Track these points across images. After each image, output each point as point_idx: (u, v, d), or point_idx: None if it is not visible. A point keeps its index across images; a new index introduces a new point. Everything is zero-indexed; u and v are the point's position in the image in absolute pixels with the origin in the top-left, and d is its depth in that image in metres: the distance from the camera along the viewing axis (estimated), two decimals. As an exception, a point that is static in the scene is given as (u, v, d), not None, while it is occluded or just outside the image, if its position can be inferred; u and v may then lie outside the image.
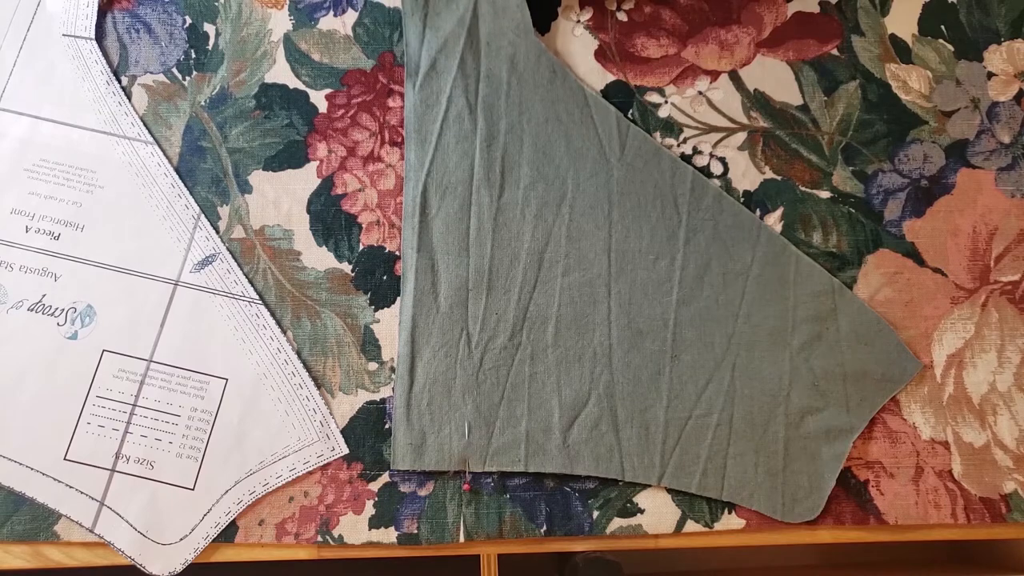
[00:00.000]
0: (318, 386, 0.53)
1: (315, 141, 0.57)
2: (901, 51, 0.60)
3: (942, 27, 0.60)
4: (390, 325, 0.54)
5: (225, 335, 0.54)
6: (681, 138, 0.58)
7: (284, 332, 0.54)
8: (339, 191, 0.57)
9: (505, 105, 0.57)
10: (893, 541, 0.53)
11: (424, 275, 0.54)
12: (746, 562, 0.88)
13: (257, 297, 0.54)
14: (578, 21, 0.60)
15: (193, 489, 0.51)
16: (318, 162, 0.57)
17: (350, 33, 0.60)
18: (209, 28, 0.59)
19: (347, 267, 0.55)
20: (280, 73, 0.58)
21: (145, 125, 0.58)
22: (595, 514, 0.51)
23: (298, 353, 0.53)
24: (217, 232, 0.56)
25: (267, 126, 0.58)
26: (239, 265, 0.55)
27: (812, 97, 0.59)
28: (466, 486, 0.52)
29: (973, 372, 0.54)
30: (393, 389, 0.53)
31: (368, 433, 0.52)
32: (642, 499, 0.52)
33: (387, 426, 0.53)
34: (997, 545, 0.66)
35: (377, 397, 0.53)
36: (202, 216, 0.56)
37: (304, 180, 0.57)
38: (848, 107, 0.58)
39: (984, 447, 0.53)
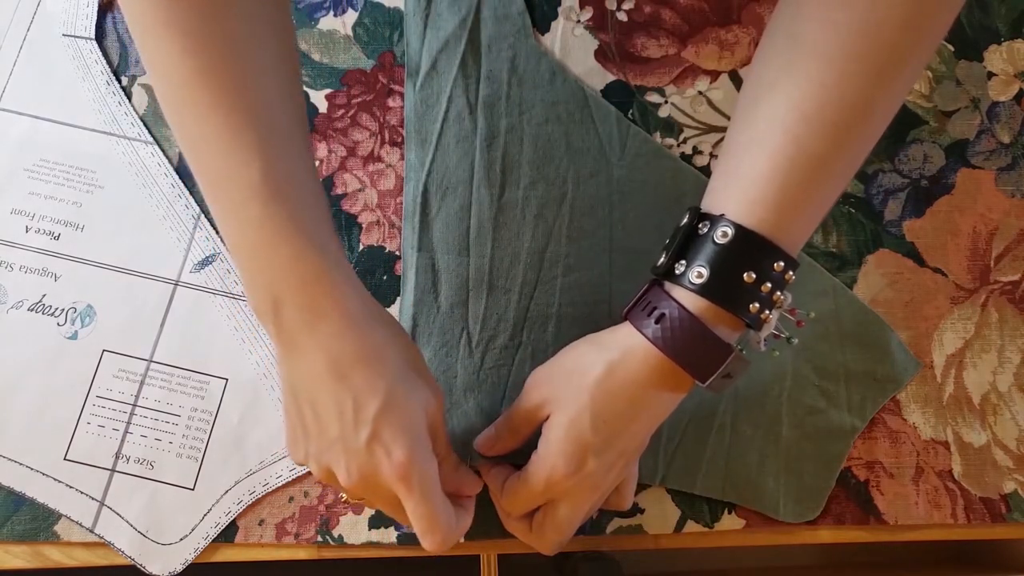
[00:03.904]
0: (318, 386, 0.53)
1: (315, 141, 0.57)
2: (901, 51, 0.59)
3: (942, 27, 0.60)
4: (390, 325, 0.54)
5: (225, 335, 0.54)
6: (681, 138, 0.58)
7: (284, 332, 0.54)
8: (339, 191, 0.56)
9: (505, 105, 0.57)
10: (893, 541, 0.53)
11: (424, 275, 0.54)
12: (746, 562, 0.88)
13: (257, 297, 0.54)
14: (578, 21, 0.60)
15: (193, 489, 0.51)
16: (318, 162, 0.57)
17: (350, 33, 0.60)
18: (209, 28, 0.59)
19: (347, 267, 0.55)
20: (280, 73, 0.58)
21: (145, 125, 0.58)
22: (595, 514, 0.51)
23: (298, 353, 0.53)
24: (217, 232, 0.55)
25: (267, 126, 0.57)
26: (239, 265, 0.55)
27: (812, 97, 0.59)
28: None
29: (973, 372, 0.54)
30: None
31: (368, 433, 0.52)
32: (642, 499, 0.52)
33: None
34: (997, 545, 0.66)
35: (377, 397, 0.53)
36: (202, 216, 0.56)
37: (304, 180, 0.56)
38: (848, 107, 0.58)
39: (984, 447, 0.53)
